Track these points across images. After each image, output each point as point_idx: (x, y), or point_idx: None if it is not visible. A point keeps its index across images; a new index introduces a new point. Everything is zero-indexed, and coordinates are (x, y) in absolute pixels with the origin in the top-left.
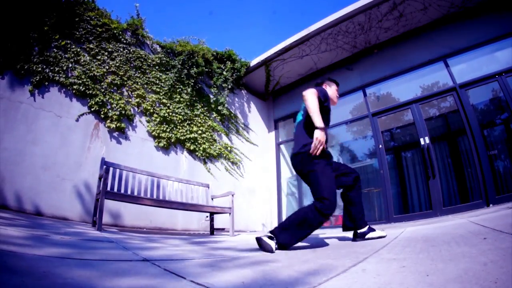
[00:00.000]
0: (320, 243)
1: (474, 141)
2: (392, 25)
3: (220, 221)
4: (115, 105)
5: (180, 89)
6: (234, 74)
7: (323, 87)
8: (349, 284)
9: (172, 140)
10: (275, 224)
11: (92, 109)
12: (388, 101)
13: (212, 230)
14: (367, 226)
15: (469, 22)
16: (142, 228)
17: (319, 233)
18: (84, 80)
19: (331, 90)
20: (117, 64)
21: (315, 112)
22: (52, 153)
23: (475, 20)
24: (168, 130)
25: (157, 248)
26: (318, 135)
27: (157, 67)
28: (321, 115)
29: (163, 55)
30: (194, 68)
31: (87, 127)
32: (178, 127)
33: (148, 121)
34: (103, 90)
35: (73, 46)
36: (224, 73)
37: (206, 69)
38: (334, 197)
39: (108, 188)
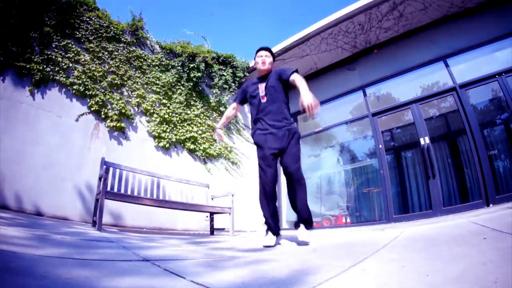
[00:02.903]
0: (320, 243)
1: (474, 141)
2: (392, 25)
3: (220, 221)
4: (115, 105)
5: (180, 90)
6: (235, 78)
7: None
8: (349, 284)
9: (172, 140)
10: None
11: (92, 109)
12: (388, 101)
13: (212, 230)
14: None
15: (469, 22)
16: (142, 228)
17: (318, 233)
18: (84, 80)
19: (255, 63)
20: (117, 64)
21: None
22: (52, 153)
23: (475, 20)
24: (168, 130)
25: (157, 248)
26: None
27: (157, 67)
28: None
29: (163, 56)
30: (195, 72)
31: (87, 127)
32: (178, 127)
33: (148, 121)
34: (103, 90)
35: (73, 46)
36: (225, 74)
37: (207, 71)
38: None
39: (108, 188)
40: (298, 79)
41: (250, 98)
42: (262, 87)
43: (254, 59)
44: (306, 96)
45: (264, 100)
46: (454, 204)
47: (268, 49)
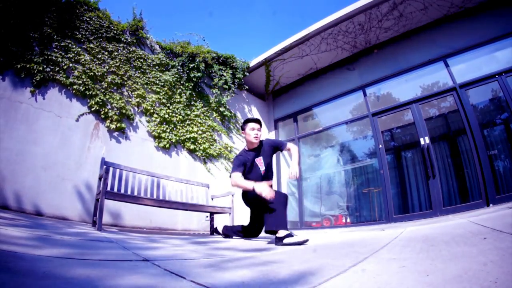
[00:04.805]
0: (320, 243)
1: (474, 141)
2: (392, 25)
3: (220, 221)
4: (115, 105)
5: (180, 90)
6: (235, 79)
7: (243, 134)
8: (349, 284)
9: (172, 140)
10: None
11: (92, 109)
12: (388, 101)
13: (212, 230)
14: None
15: (469, 22)
16: (142, 228)
17: (318, 233)
18: (84, 80)
19: (246, 134)
20: (117, 64)
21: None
22: (52, 153)
23: (475, 20)
24: (168, 130)
25: (157, 248)
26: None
27: (157, 67)
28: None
29: (163, 56)
30: (195, 72)
31: (87, 127)
32: (178, 127)
33: (148, 121)
34: (103, 90)
35: (74, 46)
36: (225, 74)
37: (207, 71)
38: None
39: (108, 188)
40: (293, 149)
41: (249, 169)
42: (260, 162)
43: (243, 129)
44: (294, 168)
45: (263, 173)
46: (454, 204)
47: (259, 122)
